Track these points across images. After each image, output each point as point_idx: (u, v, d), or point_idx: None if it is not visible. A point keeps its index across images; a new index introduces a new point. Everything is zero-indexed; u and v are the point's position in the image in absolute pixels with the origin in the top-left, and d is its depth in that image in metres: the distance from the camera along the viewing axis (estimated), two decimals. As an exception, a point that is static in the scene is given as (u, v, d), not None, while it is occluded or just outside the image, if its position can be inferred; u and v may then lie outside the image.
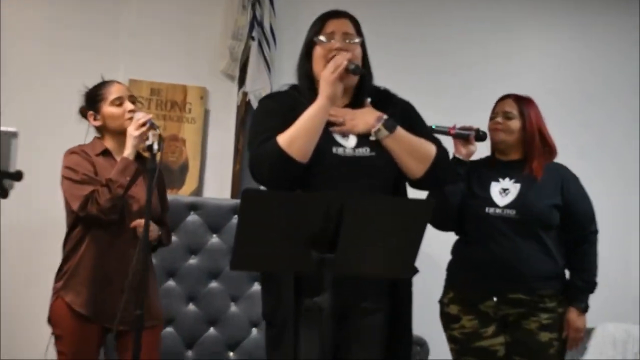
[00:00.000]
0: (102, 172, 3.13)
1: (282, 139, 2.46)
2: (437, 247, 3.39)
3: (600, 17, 4.94)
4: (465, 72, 4.73)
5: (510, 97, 3.36)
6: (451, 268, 3.40)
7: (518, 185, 3.26)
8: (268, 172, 2.47)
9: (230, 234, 3.67)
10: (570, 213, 3.27)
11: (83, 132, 3.26)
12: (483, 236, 3.24)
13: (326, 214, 2.09)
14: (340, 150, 2.55)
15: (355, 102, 2.64)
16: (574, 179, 3.35)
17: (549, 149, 3.34)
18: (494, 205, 3.25)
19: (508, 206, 3.23)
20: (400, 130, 2.57)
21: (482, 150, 3.39)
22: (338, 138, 2.57)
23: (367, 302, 2.55)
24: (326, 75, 2.49)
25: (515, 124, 3.29)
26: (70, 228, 3.18)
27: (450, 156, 2.93)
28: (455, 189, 3.24)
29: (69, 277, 3.12)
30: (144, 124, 3.03)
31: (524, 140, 3.30)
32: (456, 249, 3.40)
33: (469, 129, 3.26)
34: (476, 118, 3.39)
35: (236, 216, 3.66)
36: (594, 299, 3.32)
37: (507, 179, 3.29)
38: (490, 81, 4.58)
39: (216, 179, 4.45)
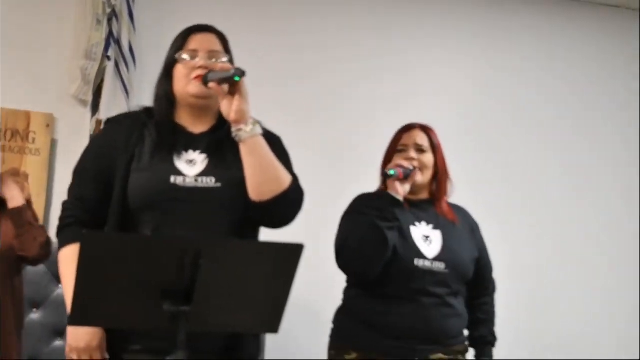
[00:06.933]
0: None
1: (63, 256, 2.57)
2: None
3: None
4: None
5: (416, 127, 3.23)
6: (346, 322, 3.18)
7: (438, 233, 3.12)
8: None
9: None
10: (479, 264, 3.22)
11: None
12: (409, 294, 3.03)
13: (180, 260, 2.02)
14: (179, 180, 2.48)
15: (220, 126, 2.57)
16: (478, 226, 3.32)
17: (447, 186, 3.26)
18: (422, 256, 3.06)
19: (437, 258, 3.06)
20: (263, 141, 2.49)
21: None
22: (179, 163, 2.51)
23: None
24: None
25: (429, 158, 3.17)
26: None
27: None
28: (394, 234, 3.03)
29: None
30: None
31: (434, 177, 3.20)
32: (358, 302, 3.15)
33: (402, 166, 3.07)
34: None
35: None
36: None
37: (423, 224, 3.15)
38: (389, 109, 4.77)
39: (64, 220, 4.37)
